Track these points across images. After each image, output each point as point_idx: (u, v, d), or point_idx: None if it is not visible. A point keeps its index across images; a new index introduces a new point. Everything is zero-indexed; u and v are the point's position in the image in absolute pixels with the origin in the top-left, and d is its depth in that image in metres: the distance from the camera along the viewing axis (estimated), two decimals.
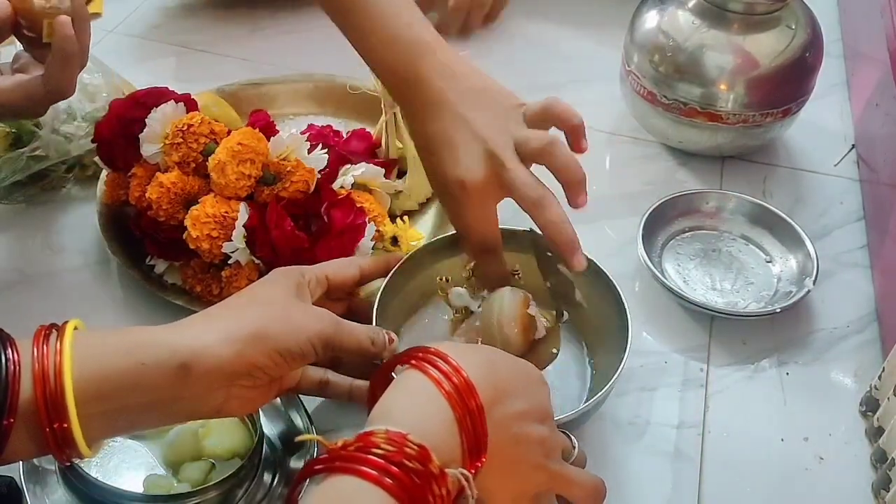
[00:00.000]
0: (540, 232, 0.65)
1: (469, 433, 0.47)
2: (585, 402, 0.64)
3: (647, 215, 0.82)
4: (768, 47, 0.87)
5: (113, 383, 0.50)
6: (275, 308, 0.57)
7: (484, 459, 0.48)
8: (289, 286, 0.60)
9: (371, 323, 0.65)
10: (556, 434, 0.55)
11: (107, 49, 1.07)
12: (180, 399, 0.52)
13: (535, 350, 0.66)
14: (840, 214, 0.89)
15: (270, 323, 0.55)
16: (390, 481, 0.42)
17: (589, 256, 0.71)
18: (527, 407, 0.52)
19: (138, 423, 0.53)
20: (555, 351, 0.66)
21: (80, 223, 0.85)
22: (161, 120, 0.75)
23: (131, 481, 0.62)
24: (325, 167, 0.76)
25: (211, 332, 0.53)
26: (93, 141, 0.79)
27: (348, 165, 0.79)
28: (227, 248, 0.72)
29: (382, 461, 0.43)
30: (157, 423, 0.55)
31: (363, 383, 0.64)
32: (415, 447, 0.44)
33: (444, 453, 0.46)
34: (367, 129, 0.88)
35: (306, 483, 0.45)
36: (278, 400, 0.66)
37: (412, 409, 0.48)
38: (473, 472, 0.47)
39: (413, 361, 0.50)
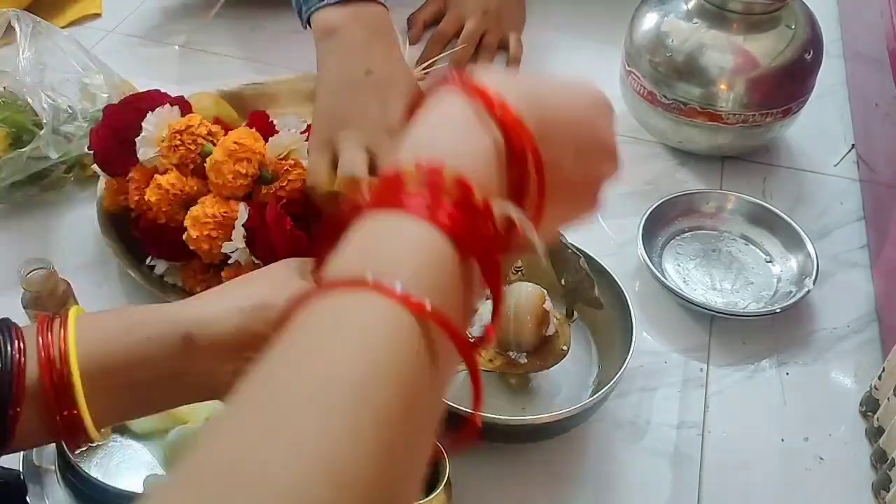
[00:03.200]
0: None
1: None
2: (587, 399, 0.64)
3: (647, 215, 0.82)
4: (768, 47, 0.87)
5: (119, 361, 0.49)
6: (279, 282, 0.57)
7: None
8: (293, 268, 0.60)
9: None
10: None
11: (107, 49, 1.07)
12: (187, 373, 0.51)
13: (546, 346, 0.67)
14: (840, 214, 0.89)
15: (273, 293, 0.55)
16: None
17: (592, 256, 0.72)
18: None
19: (147, 401, 0.52)
20: (565, 348, 0.67)
21: (80, 223, 0.85)
22: (157, 123, 0.75)
23: (131, 481, 0.62)
24: None
25: (214, 304, 0.53)
26: (88, 149, 0.79)
27: None
28: (226, 248, 0.72)
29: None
30: (166, 402, 0.54)
31: None
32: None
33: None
34: None
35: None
36: None
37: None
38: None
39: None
